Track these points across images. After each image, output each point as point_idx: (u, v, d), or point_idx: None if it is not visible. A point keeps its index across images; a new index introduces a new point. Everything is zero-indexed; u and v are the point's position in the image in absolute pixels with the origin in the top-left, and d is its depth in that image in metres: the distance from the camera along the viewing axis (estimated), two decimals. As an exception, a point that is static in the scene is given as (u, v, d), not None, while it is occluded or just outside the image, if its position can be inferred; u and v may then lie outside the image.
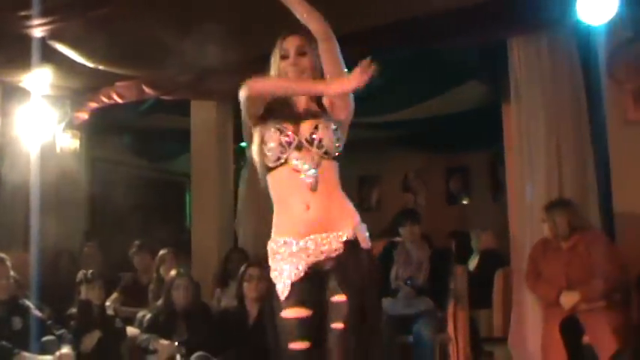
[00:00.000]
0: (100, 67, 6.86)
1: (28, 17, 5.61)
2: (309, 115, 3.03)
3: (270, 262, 3.00)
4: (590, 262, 5.26)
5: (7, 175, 7.81)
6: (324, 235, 2.91)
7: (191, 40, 5.63)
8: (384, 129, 9.24)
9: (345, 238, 2.91)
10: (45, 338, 5.58)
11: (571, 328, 5.18)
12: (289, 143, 2.94)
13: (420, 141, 10.05)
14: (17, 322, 5.47)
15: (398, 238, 6.56)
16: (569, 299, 5.21)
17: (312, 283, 2.90)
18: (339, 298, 2.86)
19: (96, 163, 9.35)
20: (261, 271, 5.65)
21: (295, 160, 2.93)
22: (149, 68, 6.97)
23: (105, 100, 7.81)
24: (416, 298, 6.08)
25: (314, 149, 2.94)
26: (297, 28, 2.96)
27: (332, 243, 2.91)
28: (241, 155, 7.89)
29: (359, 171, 11.37)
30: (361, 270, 2.89)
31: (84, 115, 8.19)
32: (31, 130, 7.99)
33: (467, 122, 8.36)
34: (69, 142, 8.47)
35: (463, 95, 7.50)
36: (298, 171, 2.92)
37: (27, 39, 6.06)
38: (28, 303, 5.75)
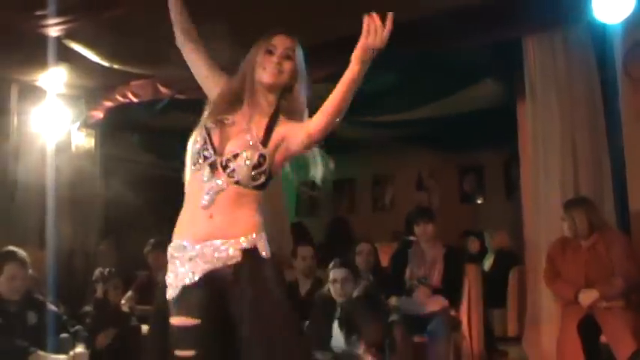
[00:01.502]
0: (115, 66, 6.88)
1: (44, 17, 5.63)
2: (241, 137, 2.87)
3: (168, 265, 2.88)
4: (609, 262, 5.24)
5: (22, 174, 7.85)
6: (221, 241, 2.77)
7: (206, 39, 5.63)
8: (398, 128, 9.22)
9: (243, 246, 2.78)
10: (60, 336, 5.58)
11: (588, 328, 5.17)
12: (206, 158, 2.85)
13: (433, 140, 10.02)
14: (32, 317, 5.43)
15: (412, 237, 6.56)
16: (588, 297, 5.19)
17: (207, 292, 2.74)
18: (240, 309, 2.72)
19: (111, 161, 9.36)
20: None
21: (204, 176, 2.83)
22: (164, 67, 6.97)
23: (120, 99, 7.84)
24: (430, 297, 6.08)
25: (225, 175, 2.81)
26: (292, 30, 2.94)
27: (229, 250, 2.77)
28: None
29: (373, 170, 11.38)
30: (259, 280, 2.77)
31: (99, 114, 8.23)
32: (47, 128, 8.02)
33: (481, 121, 8.32)
34: (84, 141, 8.51)
35: (477, 94, 7.47)
36: (201, 189, 2.83)
37: (42, 38, 6.09)
38: (43, 298, 5.75)
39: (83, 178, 8.34)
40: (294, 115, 2.95)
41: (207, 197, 2.79)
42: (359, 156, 10.52)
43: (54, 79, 7.50)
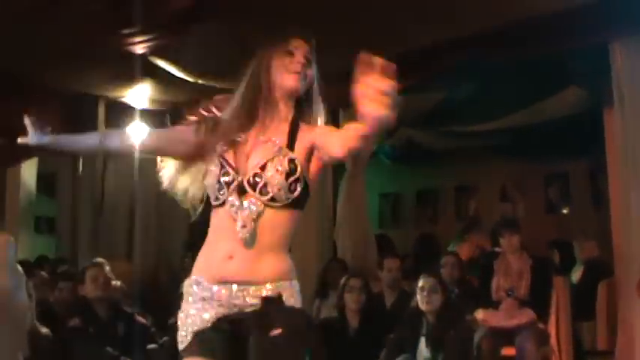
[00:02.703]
0: (199, 81, 6.99)
1: (130, 35, 5.76)
2: (262, 148, 2.52)
3: (182, 302, 2.63)
4: None
5: (109, 189, 8.04)
6: (240, 287, 2.45)
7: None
8: (482, 138, 9.14)
9: (264, 294, 2.45)
10: (149, 346, 5.70)
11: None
12: (228, 184, 2.49)
13: (518, 149, 9.88)
14: (121, 328, 5.64)
15: (498, 249, 6.47)
16: None
17: (221, 335, 2.47)
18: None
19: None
20: (363, 282, 5.68)
21: (232, 205, 2.47)
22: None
23: (204, 113, 7.94)
24: (518, 309, 5.98)
25: (256, 194, 2.44)
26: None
27: (246, 297, 2.45)
28: (339, 166, 7.90)
29: (455, 181, 11.26)
30: (283, 331, 2.41)
31: (184, 129, 8.35)
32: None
33: (566, 129, 8.19)
34: (169, 156, 8.65)
35: (563, 101, 7.35)
36: (234, 219, 2.45)
37: (128, 55, 6.23)
38: (131, 310, 5.92)
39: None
40: (313, 121, 2.64)
41: (244, 230, 2.43)
42: (442, 167, 10.46)
43: (139, 95, 7.66)
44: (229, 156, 2.56)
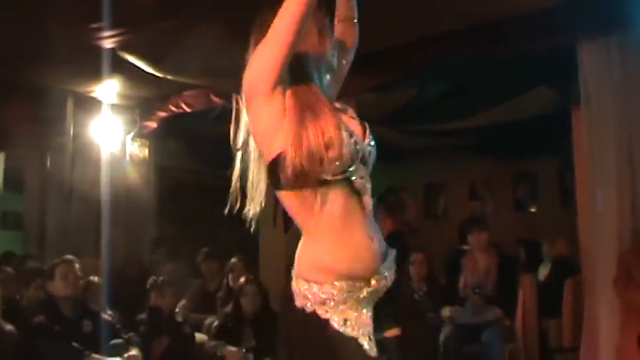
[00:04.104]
0: (169, 77, 6.96)
1: (99, 29, 5.72)
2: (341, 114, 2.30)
3: (328, 309, 2.17)
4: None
5: (77, 183, 7.98)
6: (382, 266, 2.25)
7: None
8: (451, 136, 9.17)
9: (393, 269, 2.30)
10: (114, 341, 5.69)
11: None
12: (357, 153, 2.19)
13: (486, 148, 9.94)
14: (87, 325, 5.61)
15: (465, 246, 6.51)
16: None
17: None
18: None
19: (164, 171, 9.46)
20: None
21: (361, 177, 2.22)
22: (216, 77, 7.03)
23: (173, 109, 7.92)
24: (484, 306, 6.02)
25: (368, 166, 2.29)
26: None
27: (386, 274, 2.25)
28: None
29: (425, 179, 11.29)
30: None
31: (153, 124, 8.32)
32: (101, 139, 8.14)
33: (535, 128, 8.25)
34: (138, 151, 8.62)
35: (531, 101, 7.40)
36: (358, 192, 2.22)
37: (97, 50, 6.18)
38: (98, 308, 5.90)
39: (137, 188, 8.44)
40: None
41: (370, 203, 2.26)
42: (411, 164, 10.48)
43: (108, 90, 7.61)
44: (343, 120, 2.25)
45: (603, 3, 5.50)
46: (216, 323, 6.38)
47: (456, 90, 7.05)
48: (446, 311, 6.12)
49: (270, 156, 2.17)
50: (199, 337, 6.33)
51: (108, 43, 6.07)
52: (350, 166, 2.15)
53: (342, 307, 2.15)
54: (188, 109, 7.82)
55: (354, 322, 2.15)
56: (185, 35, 5.82)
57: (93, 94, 7.81)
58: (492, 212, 10.56)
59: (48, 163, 8.62)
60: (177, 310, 6.57)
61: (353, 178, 2.18)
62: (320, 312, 2.15)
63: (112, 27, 5.69)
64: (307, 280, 2.17)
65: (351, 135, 2.18)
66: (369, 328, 2.17)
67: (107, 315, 5.95)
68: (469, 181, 11.21)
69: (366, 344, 2.14)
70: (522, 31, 5.81)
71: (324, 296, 2.14)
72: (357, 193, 2.21)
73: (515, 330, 6.14)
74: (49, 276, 5.74)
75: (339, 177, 2.14)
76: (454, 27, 5.88)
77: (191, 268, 7.94)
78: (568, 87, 6.50)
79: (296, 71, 2.21)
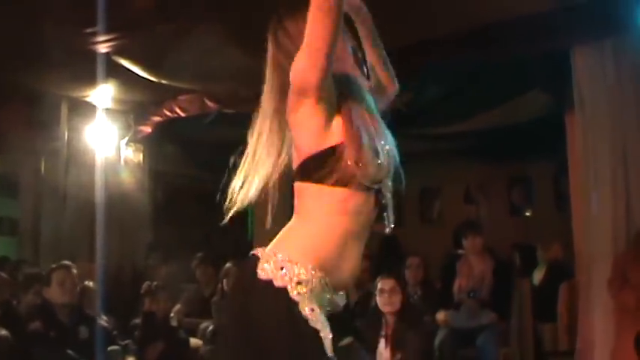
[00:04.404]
0: (163, 82, 6.95)
1: (94, 34, 5.72)
2: None
3: (300, 292, 2.09)
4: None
5: (72, 188, 7.97)
6: None
7: (253, 54, 5.66)
8: (446, 140, 9.18)
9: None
10: (110, 348, 5.67)
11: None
12: (393, 167, 2.23)
13: (482, 152, 9.95)
14: (83, 332, 5.57)
15: (460, 250, 6.51)
16: None
17: None
18: None
19: (159, 175, 9.46)
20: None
21: (387, 188, 2.23)
22: (211, 82, 7.04)
23: (168, 113, 7.92)
24: (479, 310, 6.02)
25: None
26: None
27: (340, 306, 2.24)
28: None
29: (420, 183, 11.30)
30: None
31: (147, 129, 8.31)
32: (96, 143, 8.13)
33: (529, 132, 8.26)
34: (132, 155, 8.61)
35: (526, 105, 7.41)
36: (382, 206, 2.22)
37: (92, 55, 6.18)
38: (94, 313, 5.86)
39: (131, 192, 8.43)
40: None
41: (389, 226, 2.26)
42: (406, 168, 10.48)
43: (103, 94, 7.60)
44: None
45: (597, 8, 5.52)
46: (210, 328, 6.38)
47: (452, 93, 7.05)
48: (441, 315, 6.12)
49: (316, 148, 2.14)
50: (194, 342, 6.33)
51: (102, 48, 6.06)
52: (386, 178, 2.19)
53: (311, 296, 2.08)
54: (183, 114, 7.81)
55: (318, 316, 2.08)
56: (180, 40, 5.83)
57: (87, 99, 7.80)
58: (487, 216, 10.57)
59: (42, 168, 8.61)
60: (171, 314, 6.56)
61: (382, 190, 2.19)
62: (290, 290, 2.06)
63: (107, 32, 5.69)
64: (290, 260, 2.09)
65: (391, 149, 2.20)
66: (329, 328, 2.10)
67: (103, 321, 5.92)
68: (464, 185, 11.22)
69: (326, 340, 2.07)
70: (517, 36, 5.82)
71: (303, 277, 2.07)
72: (379, 206, 2.20)
73: (510, 334, 6.14)
74: (45, 281, 5.67)
75: (375, 186, 2.16)
76: (450, 31, 5.89)
77: (186, 272, 7.92)
78: (563, 91, 6.52)
79: (340, 83, 2.20)
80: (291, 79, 2.12)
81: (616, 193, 5.73)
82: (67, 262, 5.80)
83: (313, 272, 2.09)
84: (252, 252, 2.21)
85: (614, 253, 5.62)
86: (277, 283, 2.07)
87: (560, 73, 6.33)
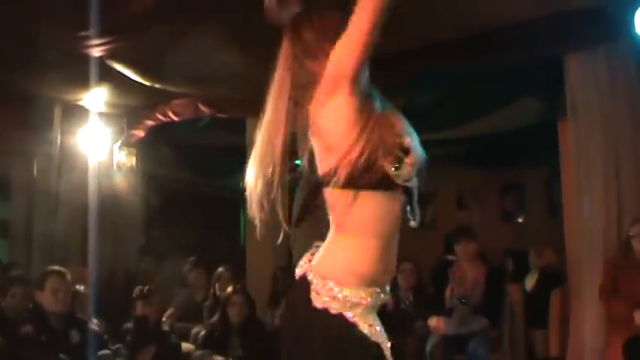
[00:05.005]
0: (156, 86, 6.95)
1: (87, 38, 5.71)
2: None
3: (356, 314, 2.12)
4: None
5: (65, 191, 7.95)
6: None
7: (246, 58, 5.67)
8: (439, 146, 9.19)
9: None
10: (101, 352, 5.64)
11: (635, 348, 5.09)
12: (422, 163, 2.26)
13: (475, 158, 9.97)
14: (75, 336, 5.52)
15: (452, 256, 6.51)
16: None
17: None
18: None
19: (151, 179, 9.45)
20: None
21: (414, 187, 2.26)
22: (204, 86, 7.04)
23: (161, 117, 7.92)
24: (471, 316, 6.02)
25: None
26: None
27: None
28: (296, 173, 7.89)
29: (413, 189, 11.30)
30: None
31: (140, 133, 8.31)
32: (89, 147, 8.12)
33: (522, 139, 8.28)
34: (125, 159, 8.60)
35: (519, 112, 7.43)
36: (410, 202, 2.27)
37: (85, 58, 6.17)
38: (85, 317, 5.82)
39: (124, 196, 8.43)
40: None
41: (415, 221, 2.30)
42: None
43: (96, 98, 7.60)
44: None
45: (590, 15, 5.54)
46: (202, 333, 6.37)
47: (445, 100, 7.07)
48: (433, 321, 6.13)
49: (339, 150, 2.12)
50: (186, 346, 6.31)
51: (96, 52, 6.06)
52: (416, 175, 2.21)
53: (365, 313, 2.12)
54: (176, 118, 7.81)
55: (377, 329, 2.13)
56: (173, 44, 5.82)
57: (81, 102, 7.80)
58: (480, 222, 10.59)
59: (35, 171, 8.59)
60: (163, 319, 6.55)
61: (411, 187, 2.22)
62: (348, 315, 2.10)
63: (101, 35, 5.68)
64: (339, 283, 2.11)
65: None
66: (386, 335, 2.15)
67: (94, 325, 5.89)
68: (457, 192, 11.24)
69: (387, 351, 2.11)
70: (510, 42, 5.84)
71: (355, 300, 2.10)
72: (408, 202, 2.24)
73: (501, 340, 6.14)
74: (38, 285, 5.56)
75: (407, 183, 2.18)
76: (444, 38, 5.90)
77: (178, 277, 7.91)
78: (555, 98, 6.54)
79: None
80: (328, 68, 2.12)
81: (608, 199, 5.75)
82: (62, 269, 5.67)
83: (364, 294, 2.12)
84: (300, 271, 2.27)
85: (606, 260, 5.64)
86: (333, 310, 2.10)
87: (553, 80, 6.35)
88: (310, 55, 2.21)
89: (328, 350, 2.10)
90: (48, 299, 5.45)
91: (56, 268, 5.68)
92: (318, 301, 2.12)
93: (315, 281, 2.16)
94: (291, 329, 2.25)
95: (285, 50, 2.30)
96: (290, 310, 2.29)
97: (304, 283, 2.18)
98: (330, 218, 2.24)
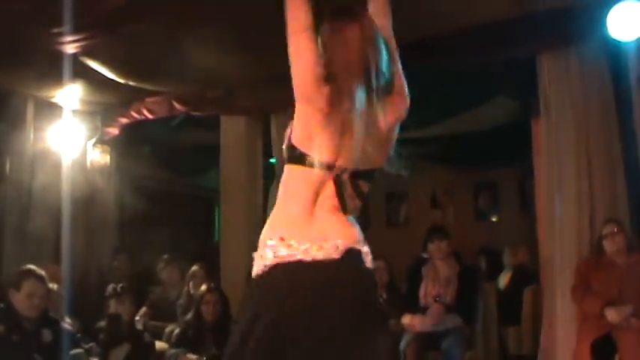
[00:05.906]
0: (131, 83, 6.91)
1: (61, 34, 5.67)
2: None
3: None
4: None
5: (37, 189, 7.89)
6: None
7: (220, 56, 5.66)
8: (412, 145, 9.20)
9: None
10: (74, 351, 5.59)
11: (603, 347, 5.14)
12: None
13: (448, 157, 10.03)
14: (47, 335, 5.44)
15: (426, 255, 6.54)
16: (619, 312, 5.15)
17: None
18: None
19: (126, 177, 9.40)
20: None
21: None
22: (179, 84, 7.01)
23: (135, 115, 7.87)
24: (445, 315, 6.05)
25: None
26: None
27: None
28: (270, 170, 7.89)
29: (387, 187, 11.34)
30: None
31: (114, 131, 8.26)
32: (62, 144, 8.06)
33: (495, 138, 8.33)
34: (99, 157, 8.55)
35: (492, 111, 7.47)
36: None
37: (58, 55, 6.13)
38: (58, 317, 5.76)
39: (98, 194, 8.38)
40: None
41: None
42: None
43: (70, 95, 7.54)
44: None
45: (563, 16, 5.58)
46: (176, 331, 6.35)
47: (418, 99, 7.08)
48: (406, 319, 6.14)
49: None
50: (160, 345, 6.29)
51: (70, 48, 6.02)
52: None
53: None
54: (150, 116, 7.77)
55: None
56: (147, 41, 5.80)
57: (54, 99, 7.74)
58: (453, 221, 10.65)
59: (8, 169, 8.51)
60: (137, 317, 6.52)
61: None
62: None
63: (74, 32, 5.64)
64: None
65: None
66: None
67: (67, 324, 5.85)
68: (431, 190, 11.29)
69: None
70: (483, 42, 5.86)
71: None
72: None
73: (475, 338, 6.18)
74: (15, 284, 5.38)
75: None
76: (415, 37, 5.92)
77: (151, 275, 7.88)
78: (528, 98, 6.58)
79: None
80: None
81: (580, 198, 5.80)
82: (41, 272, 5.46)
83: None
84: (349, 243, 2.60)
85: (578, 259, 5.69)
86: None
87: (526, 79, 6.39)
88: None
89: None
90: (23, 302, 5.31)
91: (35, 269, 5.47)
92: (370, 264, 2.64)
93: (364, 250, 2.63)
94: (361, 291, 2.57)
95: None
96: (354, 274, 2.59)
97: (359, 252, 2.61)
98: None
